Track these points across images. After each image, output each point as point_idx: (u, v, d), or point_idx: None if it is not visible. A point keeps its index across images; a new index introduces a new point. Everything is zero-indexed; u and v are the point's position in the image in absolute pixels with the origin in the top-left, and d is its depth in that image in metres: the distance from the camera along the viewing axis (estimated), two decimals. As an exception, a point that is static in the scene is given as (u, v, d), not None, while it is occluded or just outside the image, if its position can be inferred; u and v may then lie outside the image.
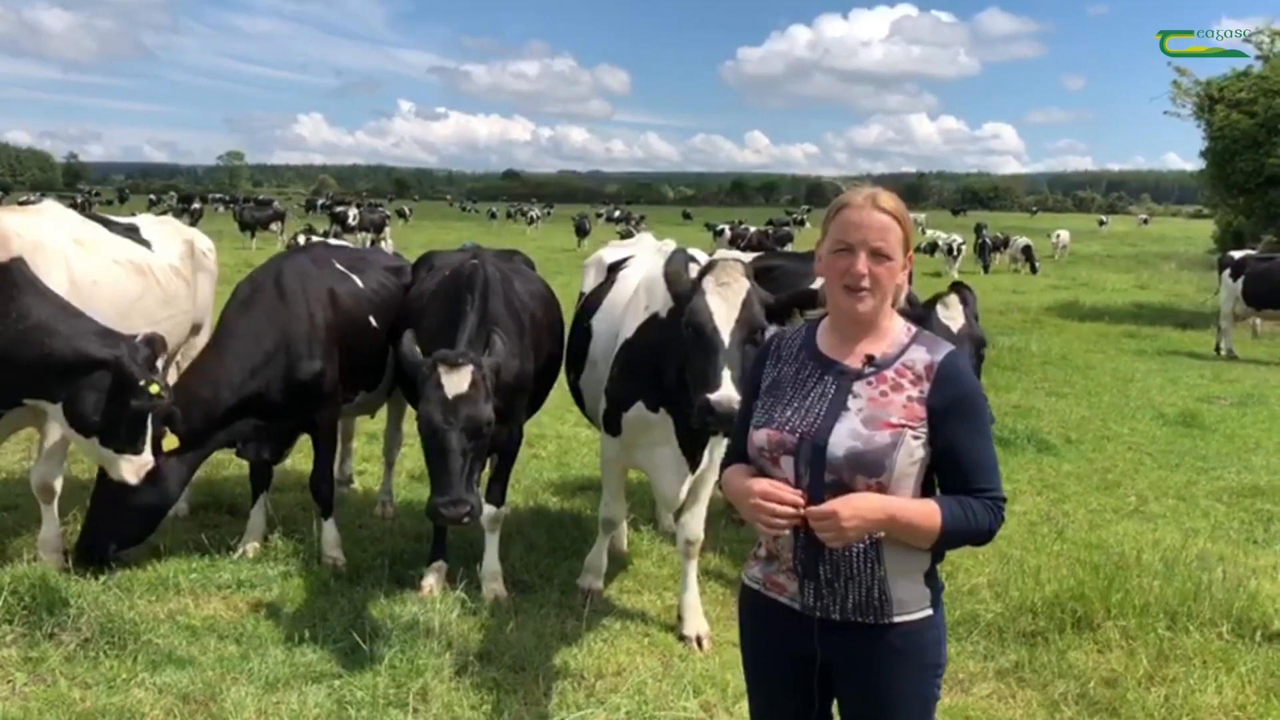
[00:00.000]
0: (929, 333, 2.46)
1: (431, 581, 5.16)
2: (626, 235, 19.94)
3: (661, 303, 4.43)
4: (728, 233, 35.38)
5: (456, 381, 4.25)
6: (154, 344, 4.80)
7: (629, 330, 4.74)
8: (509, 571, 5.34)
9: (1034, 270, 30.88)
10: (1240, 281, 15.05)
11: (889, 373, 2.33)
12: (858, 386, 2.34)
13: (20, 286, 4.65)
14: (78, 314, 4.77)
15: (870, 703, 2.37)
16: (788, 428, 2.34)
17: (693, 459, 4.61)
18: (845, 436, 2.28)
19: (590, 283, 5.88)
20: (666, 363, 4.27)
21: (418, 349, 4.47)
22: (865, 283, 2.30)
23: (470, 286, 4.88)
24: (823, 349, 2.43)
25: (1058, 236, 39.85)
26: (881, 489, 2.26)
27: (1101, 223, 76.12)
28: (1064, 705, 4.14)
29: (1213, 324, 16.48)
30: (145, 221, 6.41)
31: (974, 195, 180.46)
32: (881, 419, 2.28)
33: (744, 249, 17.58)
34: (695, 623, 4.78)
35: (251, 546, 5.58)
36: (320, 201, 69.49)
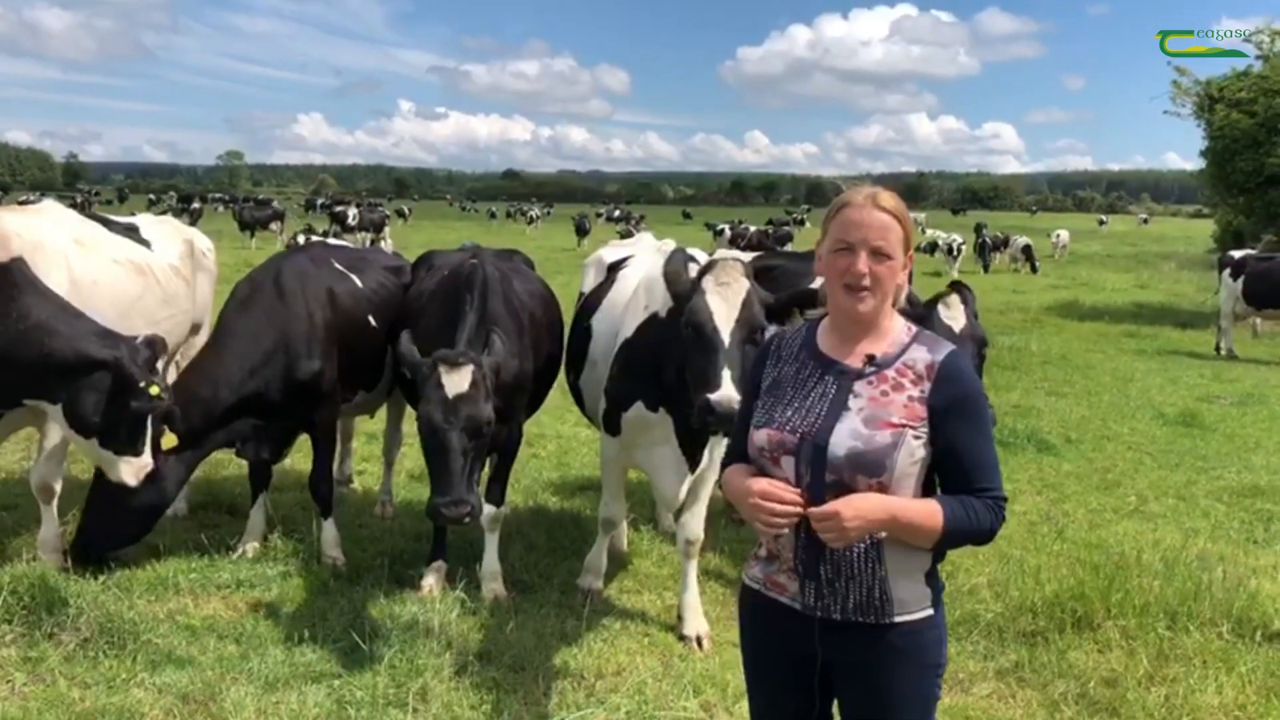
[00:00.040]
0: (930, 332, 2.46)
1: (431, 581, 5.16)
2: (626, 235, 19.94)
3: (661, 302, 4.42)
4: (727, 232, 35.38)
5: (457, 381, 4.24)
6: (154, 345, 4.80)
7: (628, 330, 4.74)
8: (509, 571, 5.34)
9: (1034, 270, 30.87)
10: (1240, 281, 15.05)
11: (890, 372, 2.33)
12: (858, 386, 2.33)
13: (21, 286, 4.65)
14: (78, 314, 4.77)
15: (871, 702, 2.36)
16: (788, 428, 2.34)
17: (692, 459, 4.61)
18: (846, 436, 2.27)
19: (590, 282, 5.87)
20: (666, 362, 4.27)
21: (415, 349, 4.47)
22: (866, 282, 2.30)
23: (469, 286, 4.88)
24: (823, 349, 2.43)
25: (1057, 236, 39.84)
26: (882, 489, 2.26)
27: (1101, 222, 76.15)
28: (1064, 705, 4.13)
29: (1213, 323, 16.48)
30: (145, 221, 6.41)
31: (974, 195, 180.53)
32: (882, 419, 2.28)
33: (744, 249, 17.56)
34: (695, 623, 4.78)
35: (251, 546, 5.58)
36: (320, 201, 69.49)
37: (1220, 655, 4.42)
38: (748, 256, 5.00)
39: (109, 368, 4.59)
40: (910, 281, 2.51)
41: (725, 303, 3.79)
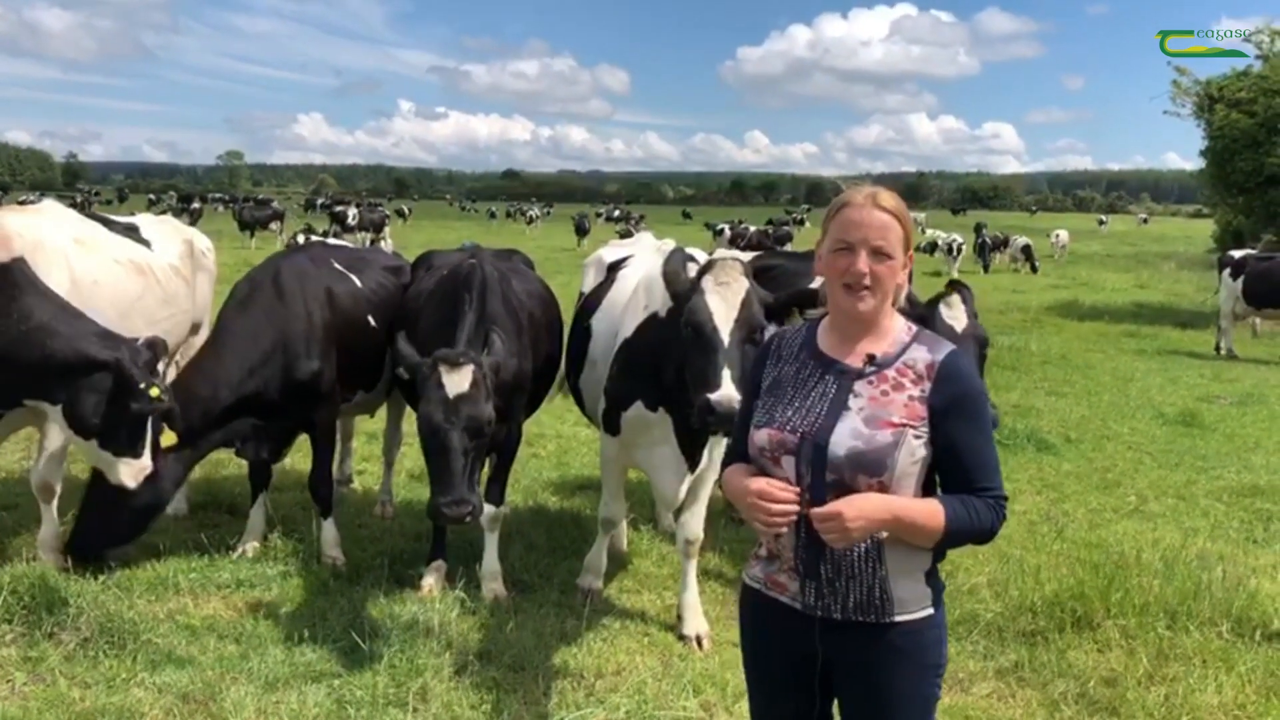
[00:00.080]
0: (930, 332, 2.46)
1: (431, 581, 5.16)
2: (626, 235, 19.93)
3: (661, 302, 4.42)
4: (727, 232, 35.38)
5: (457, 381, 4.25)
6: (155, 347, 4.80)
7: (628, 330, 4.74)
8: (508, 571, 5.34)
9: (1034, 270, 30.87)
10: (1240, 281, 15.05)
11: (890, 372, 2.33)
12: (859, 386, 2.33)
13: (22, 287, 4.65)
14: (79, 315, 4.76)
15: (871, 702, 2.36)
16: (789, 427, 2.34)
17: (692, 458, 4.60)
18: (846, 436, 2.27)
19: (590, 282, 5.87)
20: (666, 362, 4.26)
21: (413, 350, 4.46)
22: (866, 281, 2.30)
23: (468, 286, 4.88)
24: (823, 348, 2.43)
25: (1057, 236, 39.82)
26: (883, 488, 2.26)
27: (1101, 222, 76.09)
28: (1064, 705, 4.13)
29: (1212, 323, 16.48)
30: (145, 221, 6.41)
31: (974, 195, 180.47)
32: (883, 418, 2.28)
33: (743, 248, 17.57)
34: (695, 622, 4.78)
35: (251, 546, 5.58)
36: (320, 201, 69.49)
37: (1220, 655, 4.42)
38: (747, 256, 5.00)
39: (109, 369, 4.59)
40: (910, 281, 2.51)
41: (725, 302, 3.78)
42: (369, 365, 5.81)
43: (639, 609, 5.10)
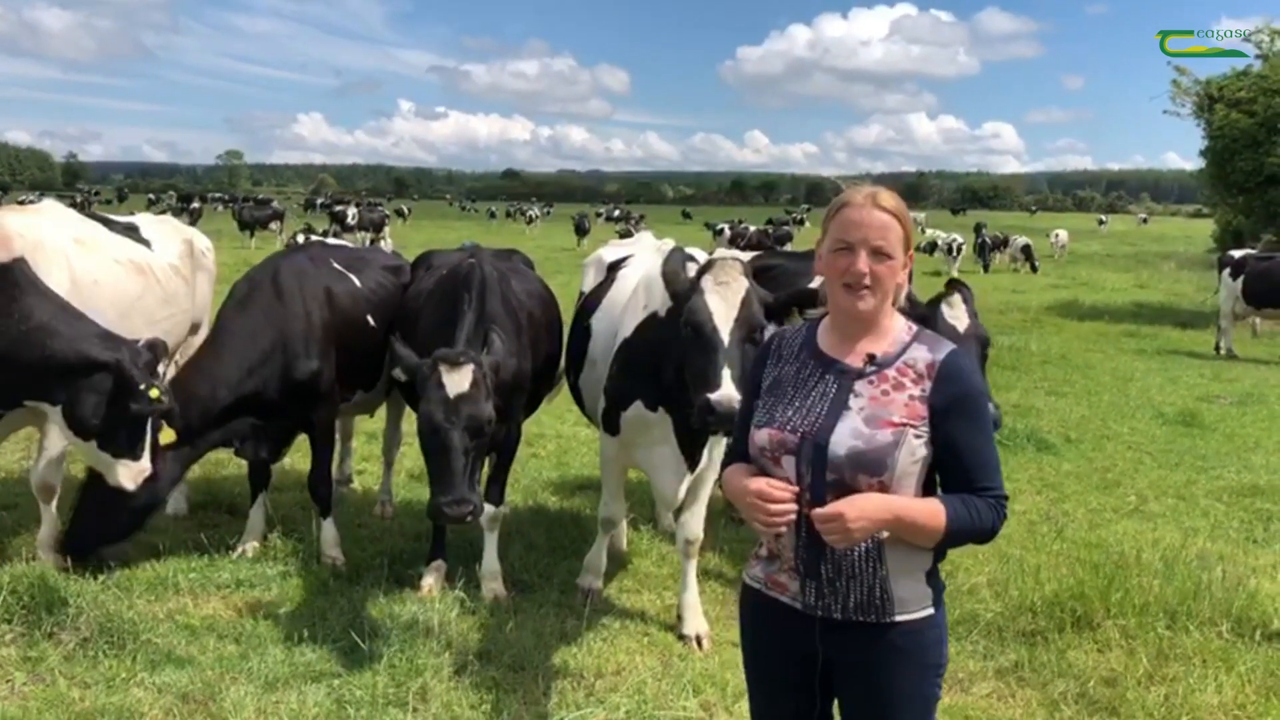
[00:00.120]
0: (930, 331, 2.46)
1: (431, 581, 5.16)
2: (626, 234, 19.94)
3: (660, 302, 4.42)
4: (727, 232, 35.38)
5: (458, 380, 4.25)
6: (156, 349, 4.80)
7: (628, 329, 4.74)
8: (508, 571, 5.33)
9: (1034, 269, 30.88)
10: (1240, 280, 15.05)
11: (890, 371, 2.33)
12: (859, 385, 2.33)
13: (23, 287, 4.65)
14: (79, 316, 4.76)
15: (871, 702, 2.36)
16: (789, 427, 2.34)
17: (691, 458, 4.60)
18: (847, 435, 2.27)
19: (590, 282, 5.87)
20: (665, 362, 4.26)
21: (410, 352, 4.46)
22: (866, 281, 2.30)
23: (467, 285, 4.88)
24: (823, 348, 2.43)
25: (1056, 236, 39.81)
26: (883, 488, 2.26)
27: (1101, 222, 76.09)
28: (1064, 704, 4.13)
29: (1212, 323, 16.48)
30: (144, 221, 6.41)
31: (974, 194, 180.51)
32: (883, 418, 2.28)
33: (743, 248, 17.57)
34: (695, 622, 4.77)
35: (251, 546, 5.58)
36: (319, 201, 69.52)
37: (1220, 654, 4.42)
38: (747, 256, 5.00)
39: (110, 370, 4.59)
40: (910, 281, 2.51)
41: (724, 302, 3.78)
42: (368, 365, 5.81)
43: (639, 609, 5.10)
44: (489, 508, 5.08)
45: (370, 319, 5.75)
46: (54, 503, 5.16)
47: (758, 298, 3.85)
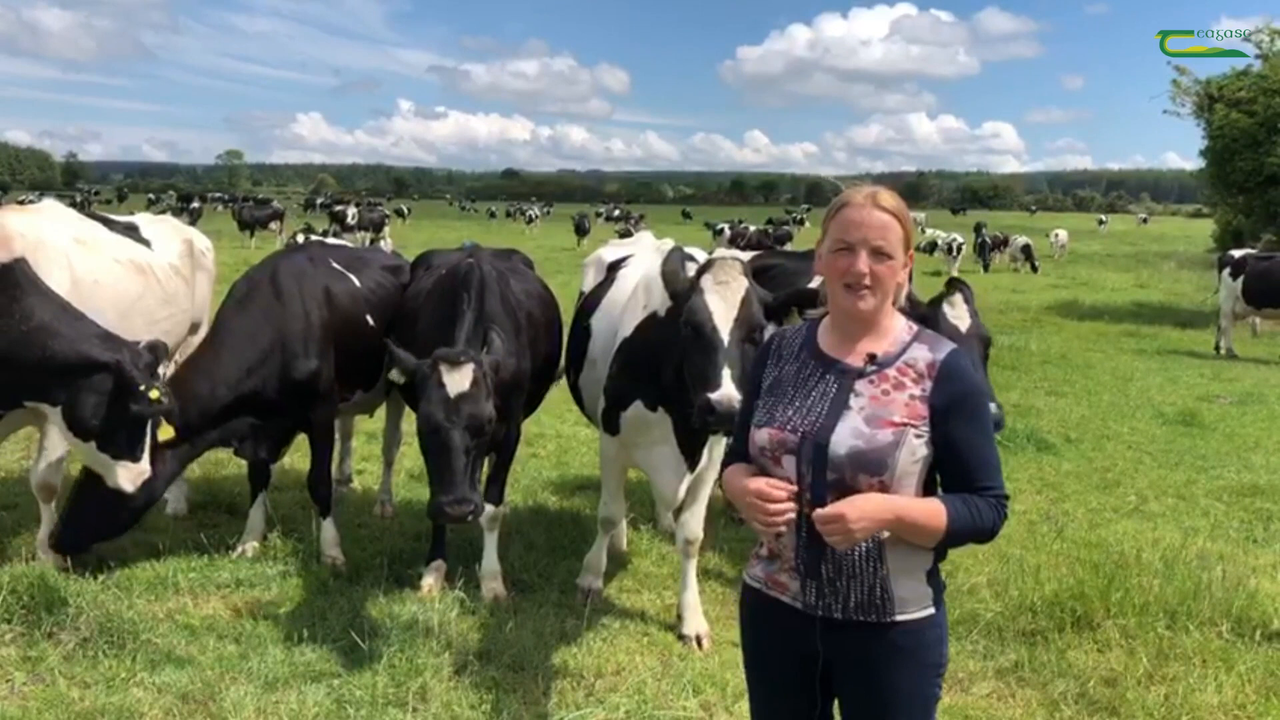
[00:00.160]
0: (930, 331, 2.46)
1: (431, 581, 5.16)
2: (625, 234, 19.94)
3: (660, 301, 4.42)
4: (727, 232, 35.39)
5: (458, 380, 4.25)
6: (157, 350, 4.79)
7: (628, 329, 4.74)
8: (508, 571, 5.33)
9: (1034, 269, 30.88)
10: (1240, 280, 15.06)
11: (891, 371, 2.33)
12: (860, 385, 2.33)
13: (24, 287, 4.64)
14: (80, 316, 4.76)
15: (872, 702, 2.36)
16: (789, 427, 2.34)
17: (691, 458, 4.60)
18: (847, 435, 2.27)
19: (590, 282, 5.87)
20: (665, 362, 4.26)
21: (408, 354, 4.46)
22: (866, 281, 2.30)
23: (466, 285, 4.88)
24: (824, 348, 2.42)
25: (1055, 236, 39.81)
26: (884, 488, 2.26)
27: (1101, 222, 76.06)
28: (1064, 704, 4.13)
29: (1212, 323, 16.48)
30: (144, 220, 6.41)
31: (973, 194, 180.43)
32: (884, 417, 2.28)
33: (743, 248, 17.57)
34: (695, 622, 4.77)
35: (250, 546, 5.58)
36: (319, 200, 69.47)
37: (1220, 654, 4.42)
38: (747, 256, 5.00)
39: (110, 371, 4.58)
40: (910, 281, 2.51)
41: (724, 302, 3.78)
42: (367, 365, 5.80)
43: (639, 609, 5.10)
44: (489, 507, 5.08)
45: (369, 319, 5.75)
46: (54, 503, 5.16)
47: (757, 297, 3.85)
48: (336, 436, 6.21)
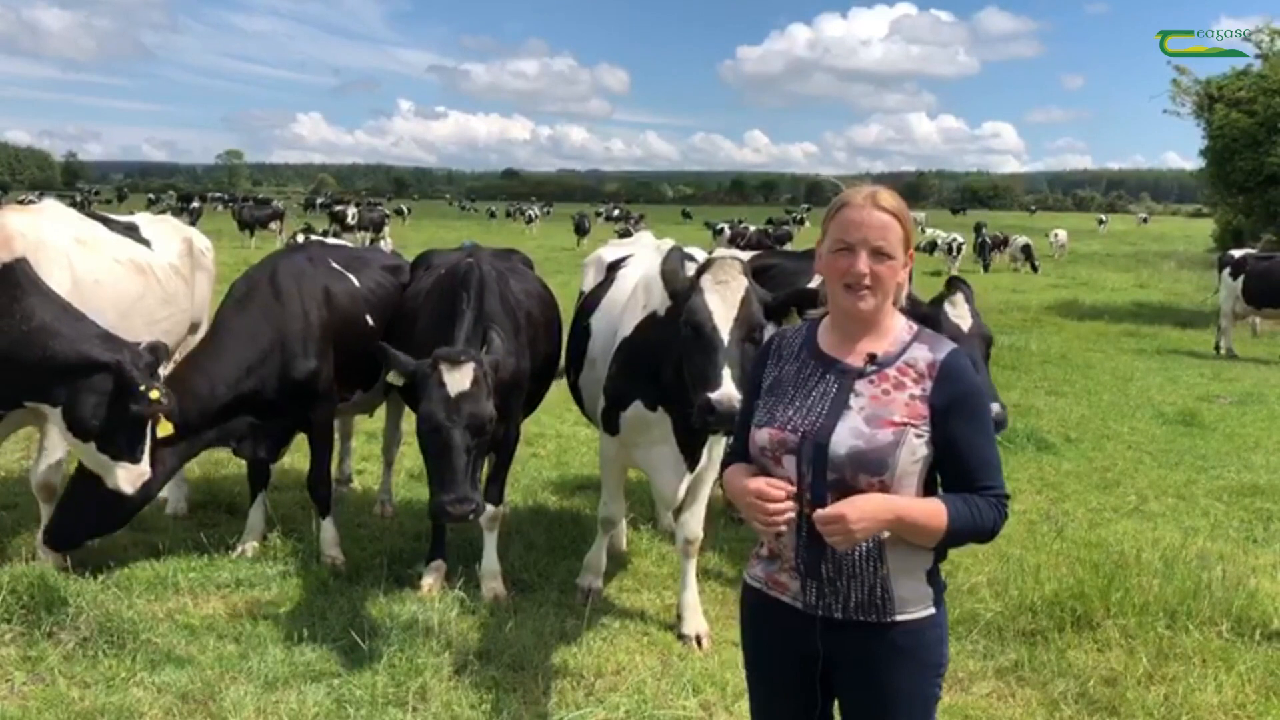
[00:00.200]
0: (930, 331, 2.46)
1: (430, 580, 5.16)
2: (625, 234, 19.94)
3: (660, 301, 4.42)
4: (727, 231, 35.39)
5: (459, 379, 4.25)
6: (157, 351, 4.79)
7: (627, 329, 4.74)
8: (508, 570, 5.33)
9: (1034, 269, 30.88)
10: (1240, 280, 15.06)
11: (891, 371, 2.33)
12: (860, 385, 2.33)
13: (24, 287, 4.64)
14: (80, 317, 4.76)
15: (872, 702, 2.36)
16: (789, 427, 2.34)
17: (691, 458, 4.60)
18: (847, 435, 2.27)
19: (589, 281, 5.87)
20: (665, 361, 4.26)
21: (403, 355, 4.45)
22: (866, 281, 2.30)
23: (466, 285, 4.88)
24: (824, 348, 2.42)
25: (1055, 236, 39.80)
26: (884, 487, 2.26)
27: (1101, 222, 76.04)
28: (1064, 704, 4.13)
29: (1212, 323, 16.48)
30: (144, 220, 6.41)
31: (973, 194, 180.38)
32: (884, 417, 2.28)
33: (743, 248, 17.57)
34: (694, 621, 4.77)
35: (250, 545, 5.57)
36: (319, 200, 69.51)
37: (1220, 654, 4.42)
38: (746, 255, 5.00)
39: (110, 371, 4.58)
40: (910, 281, 2.51)
41: (724, 301, 3.78)
42: (367, 365, 5.79)
43: (639, 608, 5.10)
44: (489, 507, 5.08)
45: (369, 318, 5.75)
46: (54, 502, 5.15)
47: (757, 297, 3.85)
48: (336, 436, 6.21)
